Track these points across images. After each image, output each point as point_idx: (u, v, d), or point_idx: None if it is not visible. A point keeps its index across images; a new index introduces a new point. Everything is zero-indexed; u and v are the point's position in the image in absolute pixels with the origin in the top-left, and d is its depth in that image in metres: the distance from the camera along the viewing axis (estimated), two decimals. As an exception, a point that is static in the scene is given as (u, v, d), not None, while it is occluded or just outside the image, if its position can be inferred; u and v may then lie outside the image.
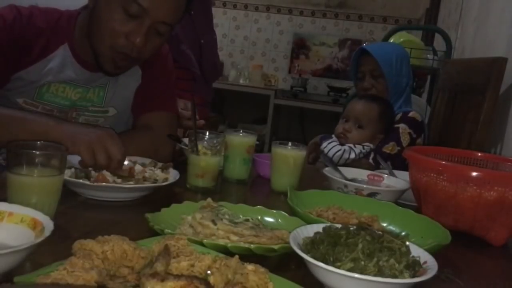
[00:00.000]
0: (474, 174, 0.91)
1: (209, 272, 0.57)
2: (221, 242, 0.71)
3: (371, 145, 1.87)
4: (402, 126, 1.81)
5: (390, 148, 1.78)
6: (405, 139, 1.79)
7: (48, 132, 1.02)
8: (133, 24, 1.10)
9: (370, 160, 1.78)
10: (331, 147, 1.86)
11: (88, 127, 1.11)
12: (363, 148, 1.85)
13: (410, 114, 1.85)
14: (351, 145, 1.86)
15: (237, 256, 0.59)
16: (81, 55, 1.22)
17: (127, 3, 1.08)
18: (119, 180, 0.97)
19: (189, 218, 0.79)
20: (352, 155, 1.83)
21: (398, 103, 1.92)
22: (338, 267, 0.61)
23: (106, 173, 0.97)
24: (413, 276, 0.61)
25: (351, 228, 0.70)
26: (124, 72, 1.24)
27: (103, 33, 1.12)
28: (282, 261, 0.73)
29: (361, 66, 1.94)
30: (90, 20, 1.16)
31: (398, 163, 1.59)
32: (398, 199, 1.11)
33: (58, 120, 1.11)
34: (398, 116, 1.86)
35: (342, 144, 1.88)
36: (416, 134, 1.82)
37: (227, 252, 0.67)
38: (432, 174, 0.96)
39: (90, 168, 0.99)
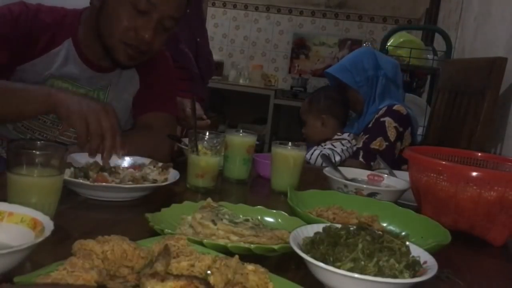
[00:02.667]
0: (474, 174, 0.91)
1: (209, 272, 0.57)
2: (221, 242, 0.71)
3: (346, 136, 1.96)
4: (387, 120, 1.81)
5: (378, 143, 1.79)
6: (391, 134, 1.79)
7: (47, 100, 1.04)
8: (142, 19, 1.14)
9: (361, 159, 1.78)
10: (315, 156, 1.91)
11: (88, 99, 1.09)
12: (343, 145, 1.91)
13: (395, 107, 1.85)
14: (331, 147, 1.91)
15: (237, 256, 0.59)
16: (85, 52, 1.25)
17: (136, 0, 1.12)
18: (118, 180, 0.97)
19: (189, 218, 0.79)
20: (337, 158, 1.87)
21: (377, 94, 1.93)
22: (338, 267, 0.61)
23: (105, 173, 0.97)
24: (413, 276, 0.61)
25: (351, 228, 0.70)
26: (137, 63, 1.26)
27: (113, 29, 1.16)
28: (282, 261, 0.73)
29: (336, 85, 2.08)
30: (99, 18, 1.18)
31: (387, 159, 1.58)
32: (398, 199, 1.11)
33: (59, 89, 1.13)
34: (383, 110, 1.87)
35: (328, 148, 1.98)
36: (402, 127, 1.82)
37: (227, 252, 0.67)
38: (432, 174, 0.96)
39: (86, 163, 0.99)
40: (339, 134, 2.05)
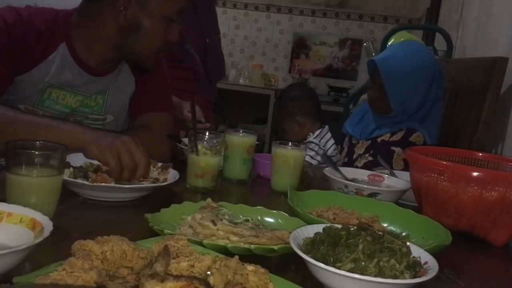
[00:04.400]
0: (475, 174, 0.91)
1: (209, 272, 0.56)
2: (221, 242, 0.71)
3: (312, 139, 1.98)
4: (398, 151, 1.58)
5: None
6: (398, 165, 1.58)
7: (74, 139, 1.01)
8: (170, 26, 1.20)
9: None
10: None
11: (113, 133, 1.10)
12: (311, 149, 1.95)
13: (412, 138, 1.59)
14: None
15: (237, 257, 0.59)
16: (80, 56, 1.23)
17: (173, 13, 1.18)
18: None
19: (189, 218, 0.79)
20: (314, 162, 1.87)
21: (405, 124, 1.63)
22: (339, 268, 0.60)
23: (104, 174, 0.96)
24: (414, 277, 0.61)
25: (352, 229, 0.70)
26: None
27: (152, 44, 1.20)
28: (282, 262, 0.72)
29: (374, 73, 1.68)
30: (126, 36, 1.18)
31: None
32: (398, 199, 1.10)
33: (83, 126, 1.11)
34: (399, 136, 1.61)
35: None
36: None
37: (227, 252, 0.66)
38: (433, 174, 0.96)
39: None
40: (310, 134, 2.07)
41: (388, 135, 1.65)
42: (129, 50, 1.21)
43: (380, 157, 1.61)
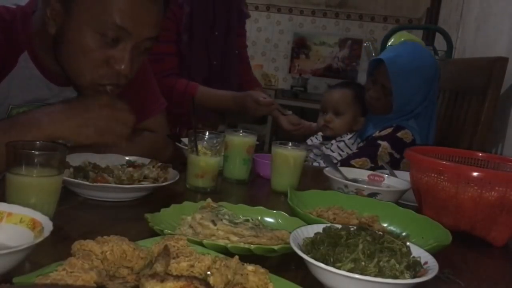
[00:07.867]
0: (475, 174, 0.91)
1: (209, 272, 0.56)
2: (221, 242, 0.71)
3: (346, 139, 1.86)
4: (384, 145, 1.61)
5: (360, 163, 1.59)
6: (382, 159, 1.58)
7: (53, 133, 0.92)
8: (114, 49, 0.95)
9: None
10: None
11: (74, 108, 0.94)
12: (340, 149, 1.87)
13: (400, 134, 1.63)
14: (334, 150, 1.88)
15: (237, 257, 0.59)
16: (45, 65, 1.06)
17: (104, 28, 0.93)
18: (117, 180, 0.97)
19: (189, 218, 0.79)
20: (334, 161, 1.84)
21: (396, 122, 1.68)
22: (339, 268, 0.60)
23: (105, 174, 0.96)
24: (414, 277, 0.61)
25: (352, 229, 0.70)
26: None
27: (81, 66, 0.97)
28: (282, 262, 0.72)
29: (377, 72, 1.73)
30: (57, 48, 0.99)
31: None
32: (398, 199, 1.10)
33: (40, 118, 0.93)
34: (387, 131, 1.65)
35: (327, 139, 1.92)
36: (400, 154, 1.61)
37: (227, 252, 0.66)
38: (432, 174, 0.96)
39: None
40: (347, 134, 1.95)
41: (378, 131, 1.69)
42: (65, 70, 1.00)
43: (365, 149, 1.61)
